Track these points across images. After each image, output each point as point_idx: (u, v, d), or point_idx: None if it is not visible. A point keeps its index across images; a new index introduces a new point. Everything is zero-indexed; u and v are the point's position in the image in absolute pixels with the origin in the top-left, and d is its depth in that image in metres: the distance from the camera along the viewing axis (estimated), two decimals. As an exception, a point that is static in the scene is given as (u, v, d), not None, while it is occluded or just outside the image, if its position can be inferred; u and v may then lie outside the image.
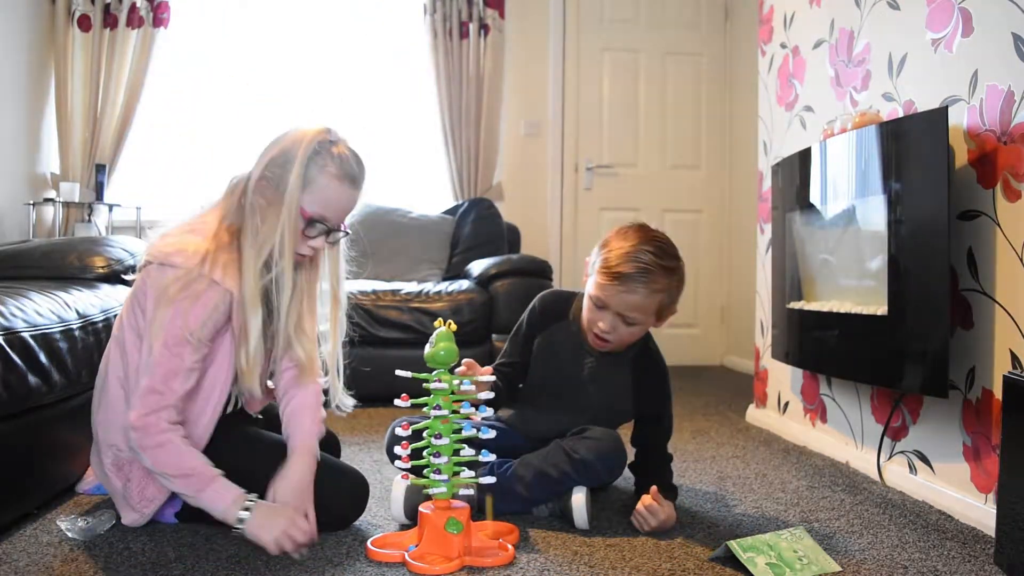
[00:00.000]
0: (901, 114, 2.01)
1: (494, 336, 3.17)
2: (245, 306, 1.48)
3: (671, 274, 1.65)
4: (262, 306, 1.51)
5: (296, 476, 1.54)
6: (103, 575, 1.37)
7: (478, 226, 3.80)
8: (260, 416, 1.78)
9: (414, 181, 4.25)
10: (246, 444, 1.63)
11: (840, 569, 1.45)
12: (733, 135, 4.46)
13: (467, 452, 1.49)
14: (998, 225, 1.67)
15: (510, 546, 1.49)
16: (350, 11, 4.21)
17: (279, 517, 1.45)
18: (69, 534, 1.52)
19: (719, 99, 4.51)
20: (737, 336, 4.36)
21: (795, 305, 2.36)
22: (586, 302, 1.72)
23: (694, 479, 2.06)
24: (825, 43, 2.44)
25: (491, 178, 4.25)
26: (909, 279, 1.82)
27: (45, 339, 1.63)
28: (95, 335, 1.82)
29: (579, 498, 1.64)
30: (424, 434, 1.48)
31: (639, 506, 1.63)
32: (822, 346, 2.24)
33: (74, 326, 1.76)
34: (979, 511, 1.69)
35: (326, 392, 1.69)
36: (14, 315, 1.57)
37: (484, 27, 4.18)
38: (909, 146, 1.83)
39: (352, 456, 2.21)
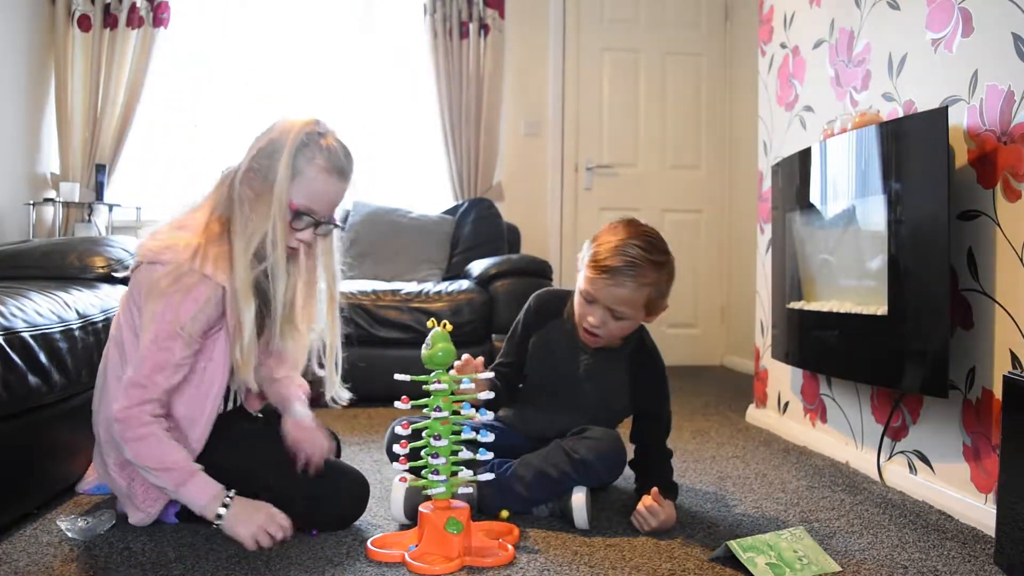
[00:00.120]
0: (901, 114, 2.01)
1: (494, 336, 3.17)
2: (237, 298, 1.48)
3: (660, 268, 1.65)
4: (255, 297, 1.51)
5: (305, 416, 1.68)
6: (103, 575, 1.37)
7: (478, 226, 3.80)
8: (260, 415, 1.78)
9: (414, 181, 4.25)
10: (246, 443, 1.63)
11: (840, 569, 1.45)
12: (733, 135, 4.46)
13: (465, 454, 1.49)
14: (998, 225, 1.67)
15: (510, 546, 1.49)
16: (350, 11, 4.21)
17: (257, 512, 1.47)
18: (69, 534, 1.52)
19: (719, 99, 4.51)
20: (737, 336, 4.36)
21: (795, 305, 2.36)
22: (576, 296, 1.73)
23: (694, 479, 2.06)
24: (825, 43, 2.44)
25: (491, 178, 4.25)
26: (909, 279, 1.82)
27: (45, 339, 1.63)
28: (95, 335, 1.82)
29: (579, 498, 1.64)
30: (423, 434, 1.48)
31: (639, 506, 1.63)
32: (822, 346, 2.24)
33: (74, 326, 1.76)
34: (979, 511, 1.69)
35: (317, 384, 1.70)
36: (14, 315, 1.57)
37: (484, 27, 4.18)
38: (909, 146, 1.83)
39: (352, 456, 2.21)
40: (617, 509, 1.78)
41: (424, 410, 1.48)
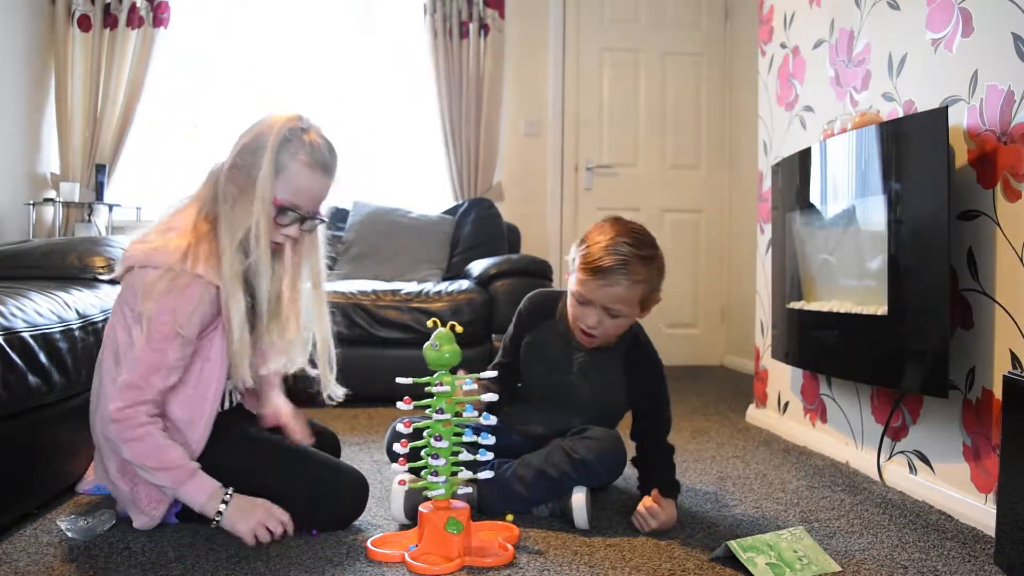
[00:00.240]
0: (901, 114, 2.01)
1: (494, 336, 3.17)
2: (229, 294, 1.49)
3: (650, 263, 1.66)
4: (244, 293, 1.51)
5: (283, 402, 1.75)
6: (103, 575, 1.37)
7: (478, 226, 3.80)
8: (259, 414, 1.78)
9: (414, 181, 4.25)
10: (245, 443, 1.63)
11: (840, 569, 1.45)
12: (733, 135, 4.46)
13: (465, 455, 1.49)
14: (998, 225, 1.67)
15: (510, 546, 1.49)
16: (350, 11, 4.21)
17: (255, 509, 1.49)
18: (69, 534, 1.52)
19: (719, 99, 4.51)
20: (737, 336, 4.36)
21: (795, 305, 2.36)
22: (570, 299, 1.73)
23: (694, 479, 2.06)
24: (825, 43, 2.44)
25: (491, 178, 4.25)
26: (909, 279, 1.82)
27: (45, 339, 1.63)
28: (95, 335, 1.82)
29: (579, 498, 1.64)
30: (424, 434, 1.48)
31: (640, 507, 1.63)
32: (822, 346, 2.24)
33: (74, 326, 1.76)
34: (979, 511, 1.69)
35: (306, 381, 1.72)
36: (14, 315, 1.57)
37: (484, 27, 4.18)
38: (909, 146, 1.83)
39: (352, 456, 2.21)
40: (617, 509, 1.78)
41: (427, 411, 1.48)
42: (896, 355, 1.86)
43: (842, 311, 2.08)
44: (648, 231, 1.72)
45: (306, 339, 1.67)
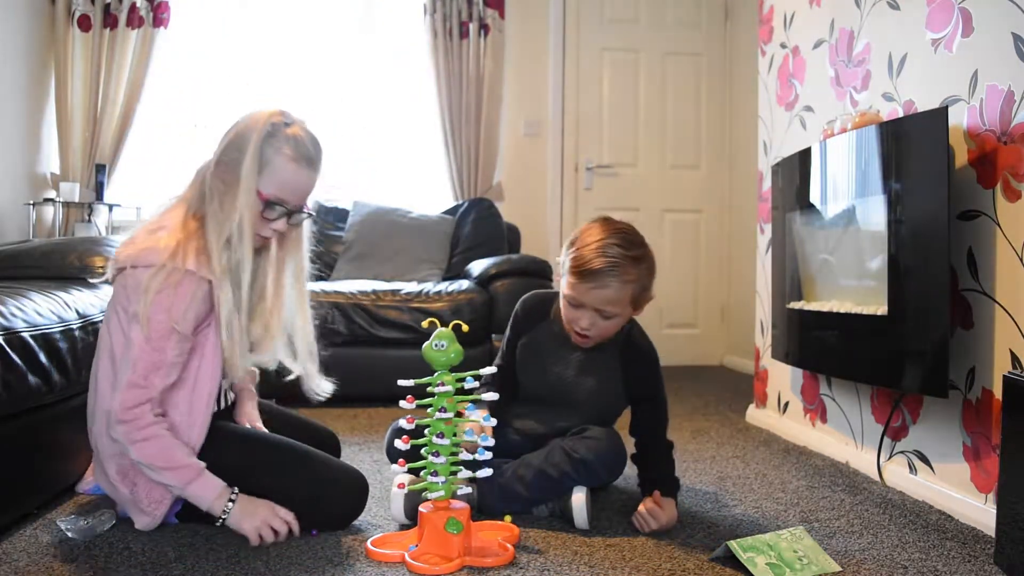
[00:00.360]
0: (901, 114, 2.01)
1: (494, 336, 3.17)
2: (220, 290, 1.50)
3: (639, 263, 1.66)
4: (232, 288, 1.52)
5: (256, 415, 1.77)
6: (103, 575, 1.37)
7: (478, 226, 3.80)
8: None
9: (414, 181, 4.25)
10: (244, 443, 1.63)
11: (840, 569, 1.45)
12: (733, 135, 4.46)
13: (465, 455, 1.49)
14: (998, 225, 1.67)
15: (510, 546, 1.49)
16: (350, 11, 4.21)
17: (260, 508, 1.51)
18: (69, 534, 1.52)
19: (719, 99, 4.51)
20: (737, 336, 4.36)
21: (795, 305, 2.36)
22: (562, 302, 1.73)
23: (694, 479, 2.06)
24: (825, 43, 2.44)
25: (491, 178, 4.25)
26: (909, 279, 1.82)
27: (45, 339, 1.63)
28: (95, 335, 1.82)
29: (579, 498, 1.64)
30: (426, 431, 1.48)
31: (640, 508, 1.63)
32: (822, 346, 2.24)
33: (74, 326, 1.76)
34: (979, 511, 1.69)
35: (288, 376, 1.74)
36: (14, 315, 1.57)
37: (484, 27, 4.18)
38: (909, 146, 1.83)
39: (352, 456, 2.21)
40: (617, 509, 1.78)
41: (428, 410, 1.48)
42: (896, 355, 1.86)
43: (842, 311, 2.08)
44: (636, 230, 1.72)
45: (290, 335, 1.68)
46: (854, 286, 2.09)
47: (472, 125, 4.17)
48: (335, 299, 3.09)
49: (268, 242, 1.61)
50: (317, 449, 1.70)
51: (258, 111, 1.55)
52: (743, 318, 4.13)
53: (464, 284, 3.27)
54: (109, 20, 3.92)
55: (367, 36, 4.22)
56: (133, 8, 3.91)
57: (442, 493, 1.46)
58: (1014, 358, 1.62)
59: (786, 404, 2.67)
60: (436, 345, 1.48)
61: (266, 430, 1.75)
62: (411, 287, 3.23)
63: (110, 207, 3.88)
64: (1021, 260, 1.61)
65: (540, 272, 3.32)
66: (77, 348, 1.74)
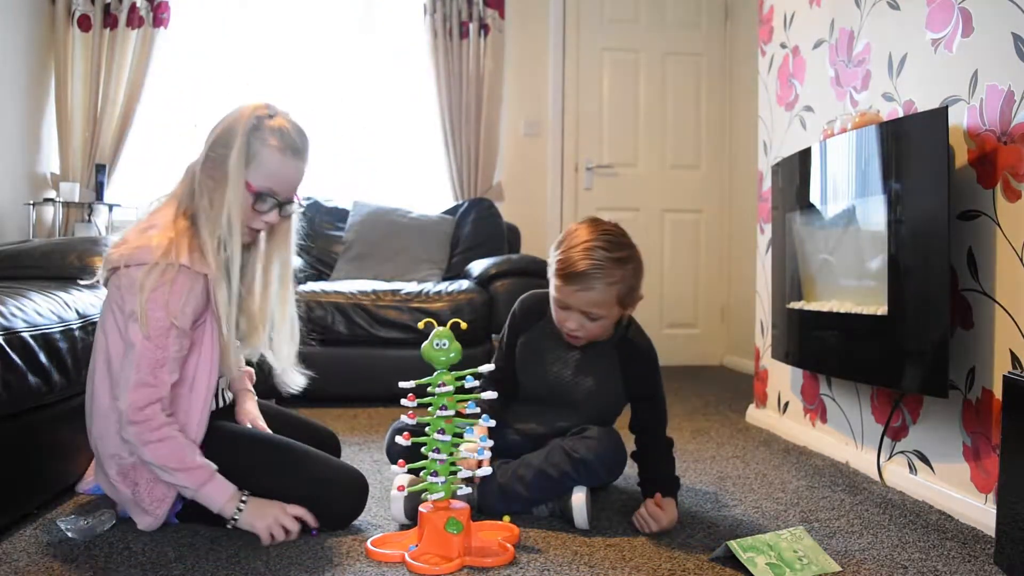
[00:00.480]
0: (901, 114, 2.01)
1: (493, 336, 3.17)
2: (216, 285, 1.51)
3: (624, 264, 1.65)
4: (227, 283, 1.53)
5: (257, 412, 1.78)
6: (103, 575, 1.37)
7: (478, 226, 3.80)
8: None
9: (414, 181, 4.25)
10: (243, 442, 1.63)
11: (840, 569, 1.45)
12: (733, 135, 4.46)
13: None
14: (998, 225, 1.67)
15: (510, 546, 1.49)
16: (350, 11, 4.21)
17: (270, 508, 1.52)
18: (69, 534, 1.52)
19: (719, 99, 4.51)
20: (737, 336, 4.36)
21: (795, 305, 2.36)
22: (551, 303, 1.74)
23: (694, 479, 2.06)
24: (825, 43, 2.44)
25: (491, 178, 4.25)
26: (909, 279, 1.82)
27: (45, 339, 1.63)
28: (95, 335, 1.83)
29: (579, 498, 1.64)
30: (427, 429, 1.49)
31: (642, 509, 1.63)
32: (822, 346, 2.24)
33: (74, 326, 1.76)
34: (979, 511, 1.69)
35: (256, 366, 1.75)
36: (14, 315, 1.57)
37: (484, 27, 4.18)
38: (909, 146, 1.83)
39: (352, 456, 2.21)
40: (617, 509, 1.78)
41: (429, 409, 1.49)
42: (896, 355, 1.86)
43: (842, 311, 2.08)
44: (623, 231, 1.72)
45: (279, 327, 1.69)
46: (854, 286, 2.09)
47: (472, 125, 4.17)
48: (335, 299, 3.09)
49: (257, 236, 1.62)
50: (317, 449, 1.70)
51: (243, 105, 1.57)
52: (743, 318, 4.13)
53: (464, 284, 3.27)
54: (109, 20, 3.92)
55: (367, 36, 4.22)
56: (133, 8, 3.91)
57: (442, 494, 1.46)
58: (1014, 358, 1.62)
59: (786, 404, 2.67)
60: (437, 344, 1.48)
61: (268, 429, 1.76)
62: (411, 287, 3.23)
63: (110, 207, 3.88)
64: (1021, 260, 1.61)
65: (540, 272, 3.28)
66: (77, 348, 1.74)
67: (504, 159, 4.32)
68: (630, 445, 1.81)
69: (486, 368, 1.53)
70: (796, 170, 2.36)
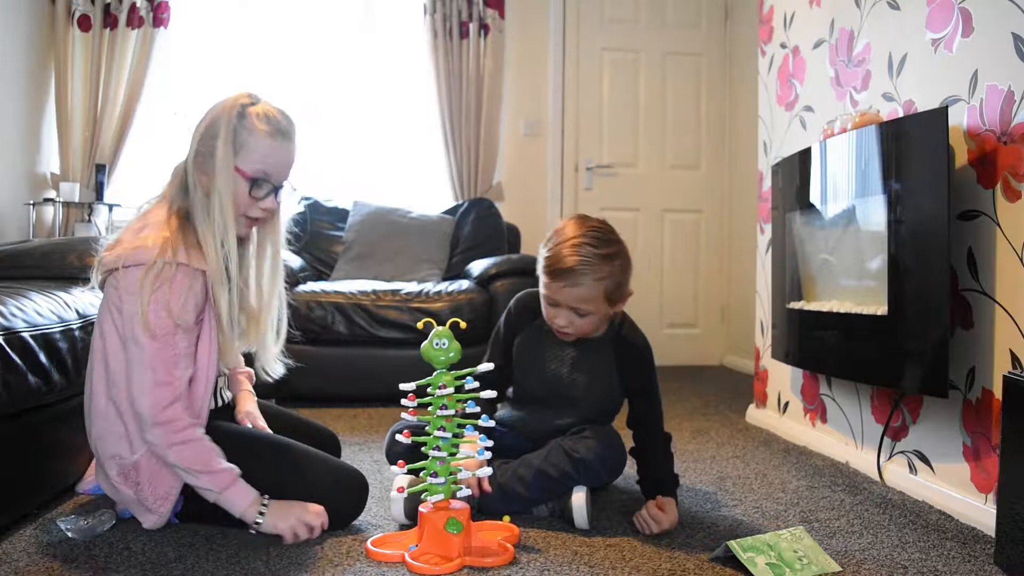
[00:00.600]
0: (901, 114, 2.01)
1: (494, 336, 3.17)
2: (215, 279, 1.52)
3: (610, 260, 1.66)
4: (225, 277, 1.54)
5: (254, 406, 1.78)
6: (103, 575, 1.37)
7: (478, 226, 3.80)
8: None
9: (414, 181, 4.25)
10: (243, 442, 1.63)
11: (840, 569, 1.45)
12: (733, 135, 4.46)
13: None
14: (998, 225, 1.67)
15: (510, 546, 1.49)
16: (350, 11, 4.21)
17: (292, 509, 1.53)
18: (69, 534, 1.52)
19: (719, 99, 4.51)
20: (737, 336, 4.36)
21: (795, 305, 2.36)
22: (541, 300, 1.75)
23: (694, 479, 2.06)
24: (825, 43, 2.44)
25: (491, 178, 4.25)
26: (909, 279, 1.82)
27: (45, 339, 1.63)
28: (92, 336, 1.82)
29: (579, 498, 1.64)
30: (427, 428, 1.49)
31: (643, 511, 1.63)
32: (822, 346, 2.24)
33: (74, 326, 1.76)
34: (979, 511, 1.69)
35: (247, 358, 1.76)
36: (14, 315, 1.57)
37: (484, 27, 4.18)
38: (909, 146, 1.83)
39: (352, 456, 2.21)
40: (617, 509, 1.78)
41: (429, 409, 1.49)
42: (896, 355, 1.86)
43: (842, 311, 2.08)
44: (611, 227, 1.72)
45: (273, 317, 1.70)
46: (854, 286, 2.09)
47: (472, 125, 4.17)
48: (335, 299, 3.09)
49: (255, 225, 1.63)
50: (317, 449, 1.70)
51: (224, 98, 1.58)
52: (743, 318, 4.13)
53: (464, 284, 3.27)
54: (109, 20, 3.92)
55: (367, 36, 4.21)
56: (133, 8, 3.91)
57: (442, 496, 1.46)
58: (1014, 358, 1.62)
59: (786, 404, 2.67)
60: (436, 344, 1.48)
61: (268, 429, 1.76)
62: (411, 287, 3.23)
63: (110, 207, 3.88)
64: (1021, 260, 1.61)
65: (540, 272, 3.32)
66: (77, 348, 1.74)
67: (504, 159, 4.32)
68: (628, 442, 1.81)
69: (485, 367, 1.53)
70: (796, 170, 2.36)
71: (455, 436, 1.49)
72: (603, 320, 1.75)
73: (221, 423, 1.63)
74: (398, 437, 1.52)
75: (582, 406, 1.81)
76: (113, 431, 1.53)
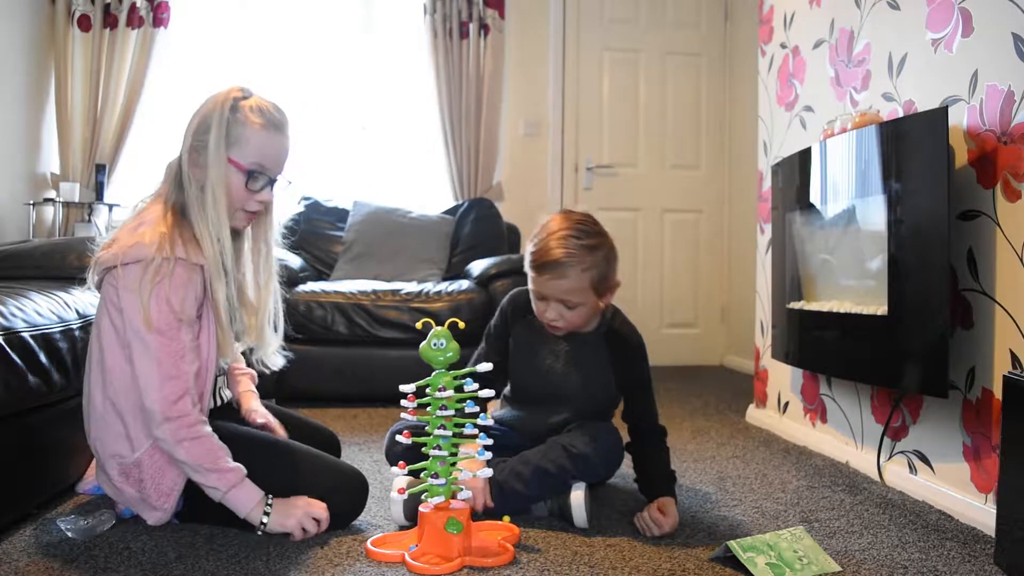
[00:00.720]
0: (901, 114, 2.01)
1: (494, 336, 3.17)
2: (212, 273, 1.52)
3: (595, 251, 1.68)
4: (223, 271, 1.54)
5: (265, 414, 1.78)
6: (103, 575, 1.37)
7: (478, 226, 3.80)
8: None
9: (414, 181, 4.25)
10: (243, 443, 1.63)
11: (840, 569, 1.45)
12: (733, 135, 4.46)
13: (466, 452, 1.49)
14: (998, 225, 1.67)
15: (510, 546, 1.49)
16: (350, 11, 4.21)
17: (295, 507, 1.53)
18: (69, 534, 1.52)
19: (719, 99, 4.51)
20: (737, 336, 4.36)
21: (795, 305, 2.36)
22: (531, 295, 1.76)
23: (694, 479, 2.06)
24: (825, 43, 2.44)
25: (491, 178, 4.25)
26: (909, 279, 1.82)
27: (45, 339, 1.63)
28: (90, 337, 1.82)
29: (578, 496, 1.64)
30: (427, 428, 1.49)
31: (644, 514, 1.63)
32: (822, 346, 2.24)
33: (74, 326, 1.76)
34: (979, 511, 1.69)
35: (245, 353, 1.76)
36: (14, 315, 1.57)
37: (484, 27, 4.18)
38: (909, 146, 1.83)
39: (352, 456, 2.21)
40: (617, 509, 1.78)
41: (428, 409, 1.49)
42: (896, 355, 1.86)
43: (842, 311, 2.08)
44: (595, 220, 1.74)
45: (270, 312, 1.70)
46: (854, 286, 2.09)
47: (472, 125, 4.16)
48: (335, 299, 3.09)
49: (252, 220, 1.63)
50: (317, 449, 1.70)
51: (215, 93, 1.58)
52: (743, 318, 4.13)
53: (464, 284, 3.27)
54: (109, 20, 3.92)
55: (367, 36, 4.22)
56: (133, 8, 3.91)
57: (442, 498, 1.46)
58: (1014, 358, 1.62)
59: (786, 404, 2.67)
60: (435, 344, 1.48)
61: (278, 424, 1.76)
62: (411, 287, 3.23)
63: (110, 207, 3.88)
64: (1021, 260, 1.61)
65: (540, 272, 3.31)
66: (77, 348, 1.74)
67: (504, 159, 4.32)
68: (625, 437, 1.82)
69: (484, 367, 1.53)
70: (796, 170, 2.36)
71: (455, 435, 1.49)
72: (593, 312, 1.76)
73: (220, 423, 1.62)
74: (398, 438, 1.52)
75: (577, 401, 1.82)
76: (112, 431, 1.53)
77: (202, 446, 1.48)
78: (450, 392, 1.47)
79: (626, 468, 1.84)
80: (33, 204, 3.77)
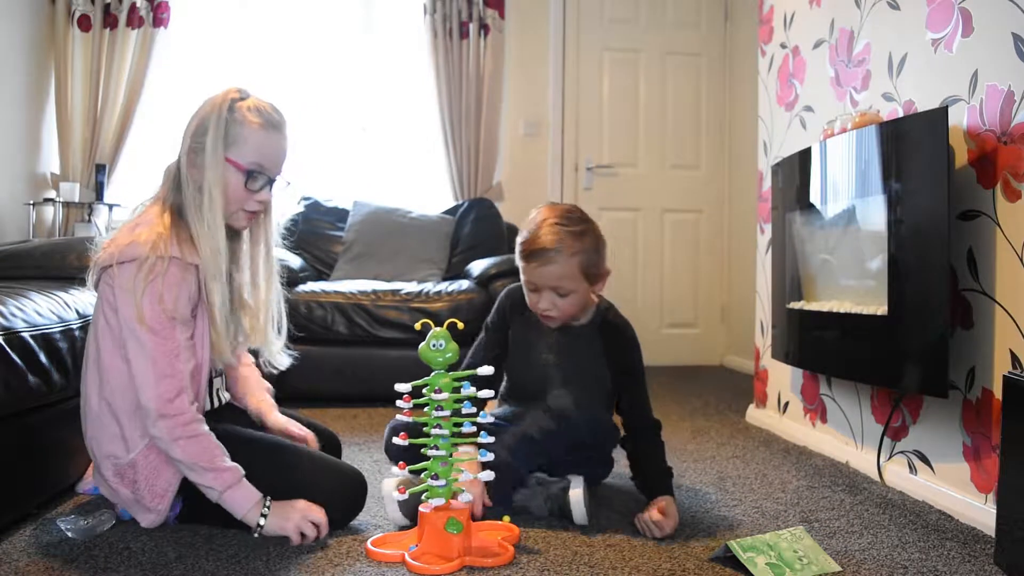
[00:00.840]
0: (901, 114, 2.01)
1: (494, 336, 3.17)
2: (208, 273, 1.52)
3: (581, 237, 1.70)
4: (219, 271, 1.54)
5: (282, 419, 1.78)
6: (103, 575, 1.37)
7: (478, 226, 3.80)
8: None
9: (414, 181, 4.25)
10: (242, 443, 1.62)
11: (840, 569, 1.45)
12: (733, 135, 4.46)
13: (465, 450, 1.49)
14: (998, 225, 1.67)
15: (510, 546, 1.49)
16: (350, 11, 4.21)
17: (293, 510, 1.52)
18: (69, 534, 1.52)
19: (719, 99, 4.51)
20: (737, 336, 4.36)
21: (795, 305, 2.36)
22: (524, 288, 1.79)
23: (694, 479, 2.06)
24: (825, 43, 2.44)
25: (491, 178, 4.25)
26: (909, 279, 1.82)
27: (45, 339, 1.63)
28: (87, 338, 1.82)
29: (576, 493, 1.64)
30: (425, 428, 1.49)
31: (645, 515, 1.62)
32: (822, 346, 2.24)
33: (74, 326, 1.76)
34: (979, 511, 1.69)
35: (256, 353, 1.77)
36: (14, 315, 1.58)
37: (484, 27, 4.18)
38: (909, 146, 1.83)
39: (352, 456, 2.21)
40: (617, 509, 1.78)
41: (425, 409, 1.49)
42: (896, 355, 1.86)
43: (842, 311, 2.08)
44: (580, 210, 1.78)
45: (272, 312, 1.71)
46: (854, 286, 2.09)
47: (472, 125, 4.16)
48: (335, 299, 3.09)
49: (252, 220, 1.63)
50: (316, 450, 1.70)
51: (213, 95, 1.58)
52: (743, 318, 4.13)
53: (464, 284, 3.27)
54: (109, 20, 3.92)
55: (367, 36, 4.22)
56: (133, 8, 3.91)
57: (443, 500, 1.46)
58: (1014, 358, 1.62)
59: (786, 404, 2.67)
60: (434, 345, 1.48)
61: (308, 433, 1.78)
62: (411, 287, 3.23)
63: (110, 207, 3.88)
64: (1021, 260, 1.61)
65: (540, 272, 3.31)
66: (77, 348, 1.74)
67: (504, 159, 4.32)
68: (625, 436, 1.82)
69: (485, 371, 1.53)
70: (796, 170, 2.36)
71: (453, 435, 1.49)
72: (585, 299, 1.77)
73: (219, 423, 1.62)
74: (395, 440, 1.51)
75: (574, 392, 1.82)
76: (107, 431, 1.53)
77: (198, 444, 1.47)
78: (446, 395, 1.47)
79: (623, 468, 1.84)
80: (33, 204, 3.77)
